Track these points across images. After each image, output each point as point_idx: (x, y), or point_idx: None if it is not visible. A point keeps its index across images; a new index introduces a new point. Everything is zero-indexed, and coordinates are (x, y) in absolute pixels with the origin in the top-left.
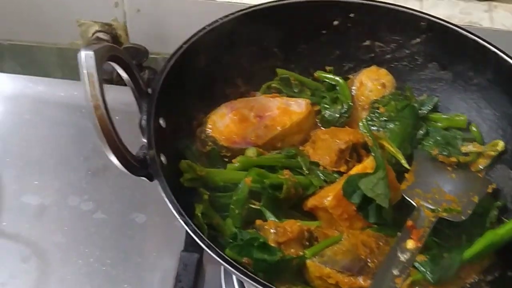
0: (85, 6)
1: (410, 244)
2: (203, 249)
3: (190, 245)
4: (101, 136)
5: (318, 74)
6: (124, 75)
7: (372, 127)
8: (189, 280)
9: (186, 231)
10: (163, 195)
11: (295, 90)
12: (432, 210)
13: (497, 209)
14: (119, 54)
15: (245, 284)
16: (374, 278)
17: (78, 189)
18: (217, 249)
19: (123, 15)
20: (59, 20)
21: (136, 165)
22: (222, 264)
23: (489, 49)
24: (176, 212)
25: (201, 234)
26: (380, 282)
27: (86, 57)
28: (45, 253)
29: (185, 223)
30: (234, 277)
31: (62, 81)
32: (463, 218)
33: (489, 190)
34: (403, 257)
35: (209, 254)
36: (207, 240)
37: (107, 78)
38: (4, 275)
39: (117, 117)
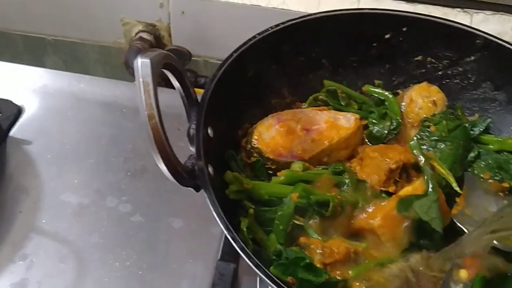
0: (130, 6)
1: (463, 274)
2: (239, 259)
3: (227, 255)
4: (153, 146)
5: (367, 88)
6: (176, 83)
7: (422, 147)
8: None
9: (224, 240)
10: (212, 208)
11: (342, 103)
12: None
13: None
14: (173, 63)
15: None
16: None
17: (117, 190)
18: (263, 267)
19: (168, 16)
20: (103, 18)
21: (185, 176)
22: (268, 283)
23: None
24: (224, 227)
25: (248, 251)
26: None
27: (142, 65)
28: (82, 253)
29: (232, 239)
30: None
31: (104, 79)
32: None
33: None
34: None
35: (247, 265)
36: (254, 258)
37: None
38: (41, 273)
39: None
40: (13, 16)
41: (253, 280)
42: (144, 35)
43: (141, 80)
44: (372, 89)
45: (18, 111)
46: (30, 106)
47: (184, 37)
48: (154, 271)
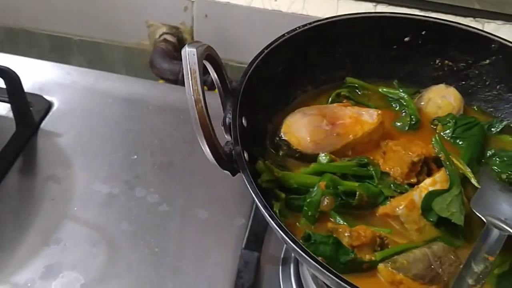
0: (156, 8)
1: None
2: (262, 248)
3: (251, 243)
4: (198, 129)
5: (385, 88)
6: (214, 75)
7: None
8: (250, 277)
9: (249, 229)
10: (249, 188)
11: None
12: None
13: None
14: (213, 55)
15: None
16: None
17: (145, 182)
18: (300, 243)
19: (191, 19)
20: (129, 20)
21: (224, 159)
22: (305, 258)
23: None
24: (262, 206)
25: (285, 228)
26: None
27: (189, 53)
28: (113, 239)
29: (270, 216)
30: (292, 278)
31: (130, 78)
32: None
33: None
34: (477, 268)
35: (270, 254)
36: (291, 234)
37: (173, 79)
38: (74, 257)
39: (181, 117)
40: (41, 16)
41: (276, 268)
42: (168, 37)
43: (189, 67)
44: (390, 90)
45: (48, 106)
46: (60, 101)
47: (206, 39)
48: (181, 258)
